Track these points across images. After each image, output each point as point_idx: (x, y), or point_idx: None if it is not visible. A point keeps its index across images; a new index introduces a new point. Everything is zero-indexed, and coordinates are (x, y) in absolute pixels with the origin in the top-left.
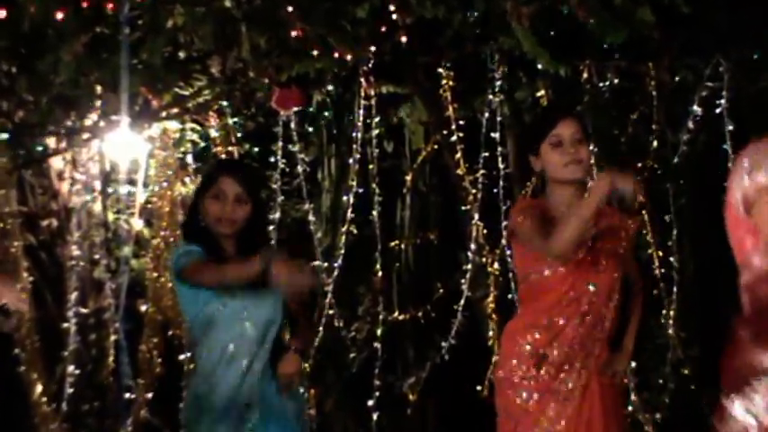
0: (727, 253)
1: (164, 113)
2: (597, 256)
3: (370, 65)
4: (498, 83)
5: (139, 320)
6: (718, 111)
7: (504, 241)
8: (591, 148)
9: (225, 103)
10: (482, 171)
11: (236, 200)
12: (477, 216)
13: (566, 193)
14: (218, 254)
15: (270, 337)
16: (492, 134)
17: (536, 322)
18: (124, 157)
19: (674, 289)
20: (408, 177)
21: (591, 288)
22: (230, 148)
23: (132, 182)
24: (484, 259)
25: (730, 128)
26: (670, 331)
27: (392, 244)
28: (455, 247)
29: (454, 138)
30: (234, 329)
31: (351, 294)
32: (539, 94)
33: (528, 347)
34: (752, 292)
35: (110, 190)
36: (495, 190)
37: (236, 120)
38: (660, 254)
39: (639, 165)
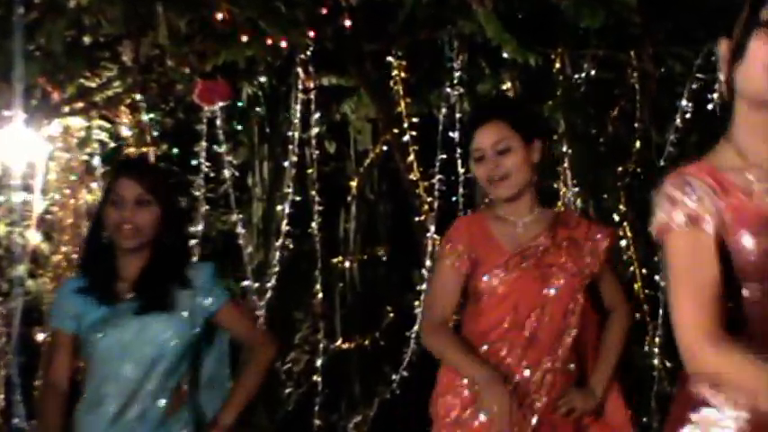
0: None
1: (66, 108)
2: (548, 274)
3: (308, 53)
4: (457, 74)
5: (36, 352)
6: (710, 107)
7: None
8: (540, 147)
9: (138, 97)
10: (439, 176)
11: (137, 202)
12: (432, 228)
13: (508, 209)
14: (109, 286)
15: (156, 376)
16: (450, 133)
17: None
18: (18, 160)
19: (660, 312)
20: (353, 183)
21: (535, 313)
22: (145, 149)
23: (28, 188)
24: None
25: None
26: (655, 361)
27: (335, 261)
28: (408, 264)
29: (407, 137)
30: (108, 366)
31: (286, 319)
32: (504, 87)
33: (466, 382)
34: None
35: (1, 198)
36: (453, 198)
37: (151, 116)
38: (644, 271)
39: (620, 169)
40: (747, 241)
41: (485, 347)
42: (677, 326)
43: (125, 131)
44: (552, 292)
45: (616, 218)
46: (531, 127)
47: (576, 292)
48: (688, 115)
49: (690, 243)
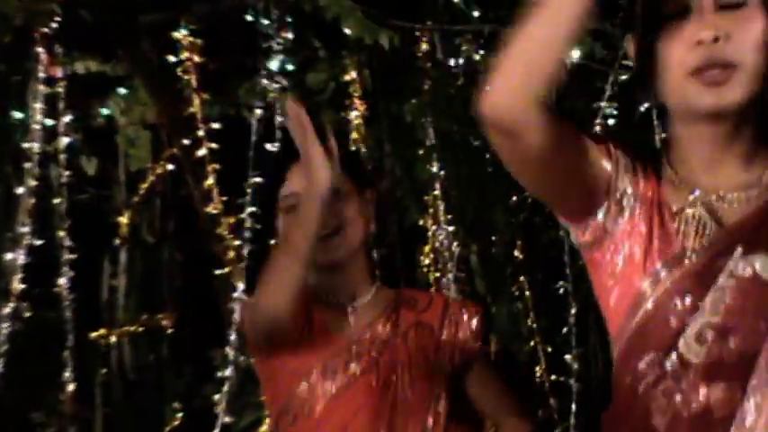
0: None
1: None
2: (389, 379)
3: (53, 25)
4: (278, 58)
5: None
6: (642, 108)
7: None
8: (374, 199)
9: None
10: (251, 208)
11: None
12: (241, 286)
13: (331, 282)
14: None
15: None
16: (268, 145)
17: None
18: None
19: (573, 407)
20: (124, 220)
21: (384, 425)
22: None
23: None
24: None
25: (663, 134)
26: None
27: (94, 335)
28: (205, 338)
29: (203, 151)
30: None
31: (21, 425)
32: (346, 77)
33: None
34: (616, 382)
35: None
36: (273, 240)
37: None
38: (549, 349)
39: (515, 198)
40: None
41: None
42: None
43: None
44: (409, 394)
45: (509, 270)
46: (362, 169)
47: (435, 400)
48: (611, 121)
49: None
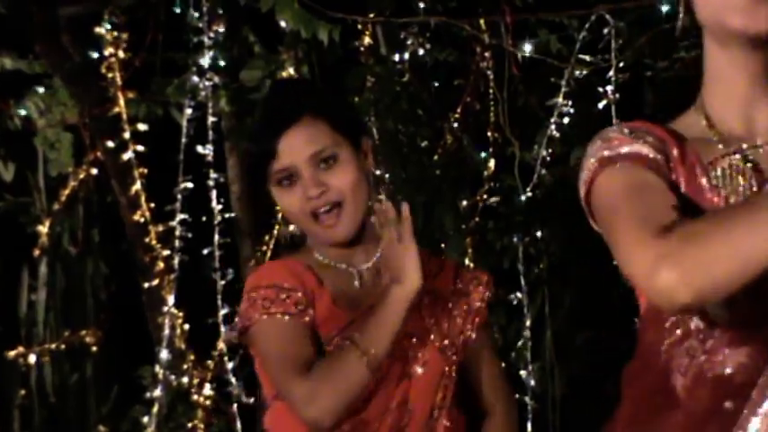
0: None
1: None
2: (405, 346)
3: None
4: (209, 54)
5: None
6: (601, 105)
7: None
8: (370, 148)
9: None
10: (181, 215)
11: None
12: (171, 300)
13: (338, 253)
14: None
15: None
16: (200, 147)
17: None
18: None
19: (529, 428)
20: (43, 229)
21: (392, 411)
22: None
23: None
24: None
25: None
26: None
27: (12, 354)
28: (133, 356)
29: (129, 154)
30: None
31: None
32: (283, 74)
33: None
34: (640, 336)
35: None
36: (206, 250)
37: None
38: (502, 365)
39: (466, 202)
40: None
41: None
42: (625, 263)
43: None
44: (419, 371)
45: None
46: (354, 120)
47: (447, 376)
48: (567, 119)
49: (633, 174)
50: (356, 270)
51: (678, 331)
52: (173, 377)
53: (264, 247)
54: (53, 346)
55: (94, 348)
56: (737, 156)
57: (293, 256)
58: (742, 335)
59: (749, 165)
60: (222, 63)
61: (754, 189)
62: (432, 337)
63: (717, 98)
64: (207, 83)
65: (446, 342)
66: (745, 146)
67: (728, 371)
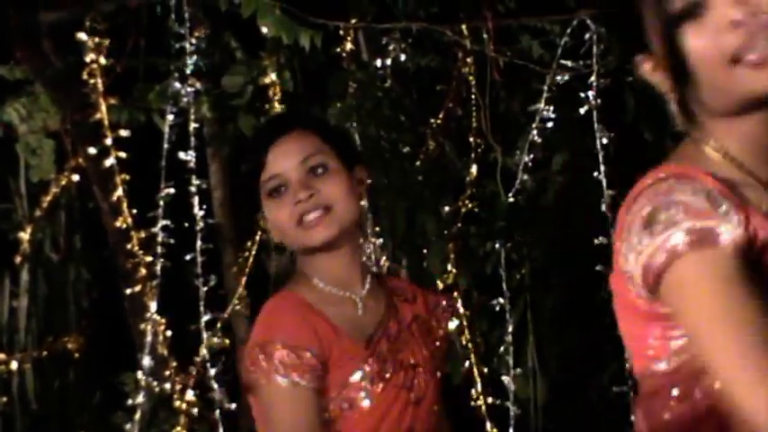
0: None
1: None
2: (408, 375)
3: None
4: (191, 60)
5: None
6: (583, 111)
7: None
8: (366, 176)
9: None
10: (163, 221)
11: None
12: (153, 306)
13: (330, 266)
14: None
15: None
16: (182, 153)
17: None
18: None
19: None
20: (25, 235)
21: None
22: None
23: None
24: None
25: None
26: None
27: None
28: (115, 364)
29: (111, 160)
30: None
31: None
32: (265, 80)
33: None
34: (648, 412)
35: None
36: (189, 256)
37: None
38: (485, 370)
39: (448, 208)
40: None
41: None
42: (731, 385)
43: None
44: (423, 398)
45: (441, 285)
46: (350, 145)
47: (439, 399)
48: (548, 125)
49: (731, 271)
50: (358, 297)
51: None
52: (155, 383)
53: (247, 253)
54: (35, 353)
55: (76, 355)
56: None
57: (295, 290)
58: None
59: None
60: (204, 69)
61: None
62: (426, 360)
63: (734, 140)
64: (189, 89)
65: (433, 365)
66: None
67: None
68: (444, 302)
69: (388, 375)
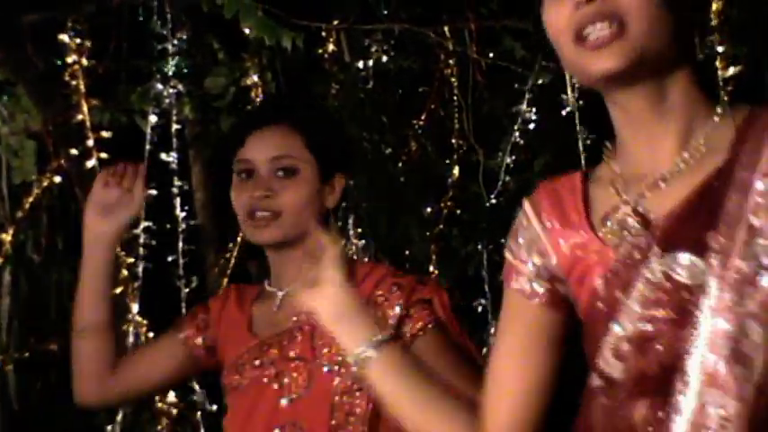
0: None
1: None
2: (286, 373)
3: None
4: (173, 61)
5: None
6: (565, 112)
7: None
8: (341, 187)
9: None
10: (146, 223)
11: None
12: (135, 308)
13: (277, 264)
14: None
15: None
16: (165, 155)
17: None
18: None
19: None
20: (7, 237)
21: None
22: None
23: None
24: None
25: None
26: None
27: None
28: None
29: (93, 162)
30: None
31: None
32: (247, 81)
33: None
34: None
35: None
36: (171, 257)
37: None
38: None
39: (430, 209)
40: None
41: None
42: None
43: None
44: (302, 392)
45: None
46: (334, 151)
47: (345, 393)
48: (532, 125)
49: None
50: (280, 292)
51: (591, 390)
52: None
53: (228, 255)
54: (17, 354)
55: (58, 356)
56: (627, 208)
57: (242, 285)
58: (639, 387)
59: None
60: (186, 70)
61: (641, 246)
62: (318, 358)
63: (624, 143)
64: (171, 90)
65: (339, 359)
66: (645, 187)
67: (633, 425)
68: (405, 282)
69: (257, 363)
